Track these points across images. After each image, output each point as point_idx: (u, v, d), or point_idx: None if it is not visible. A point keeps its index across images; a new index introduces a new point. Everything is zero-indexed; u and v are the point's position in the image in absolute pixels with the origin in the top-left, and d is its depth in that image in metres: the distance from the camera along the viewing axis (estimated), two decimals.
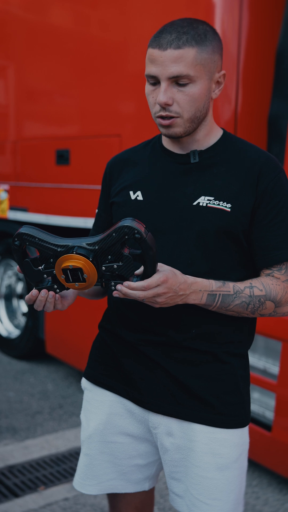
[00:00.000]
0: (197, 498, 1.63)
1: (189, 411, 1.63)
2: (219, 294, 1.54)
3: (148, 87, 1.58)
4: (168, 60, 1.50)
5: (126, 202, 1.68)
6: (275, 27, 3.08)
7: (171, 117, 1.54)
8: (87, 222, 4.07)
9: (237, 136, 1.81)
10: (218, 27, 3.05)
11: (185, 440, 1.64)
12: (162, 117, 1.55)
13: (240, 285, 1.57)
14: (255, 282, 1.58)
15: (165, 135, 1.60)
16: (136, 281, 1.45)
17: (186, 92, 1.52)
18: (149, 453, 1.76)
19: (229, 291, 1.55)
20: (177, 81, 1.51)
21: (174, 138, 1.61)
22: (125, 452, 1.74)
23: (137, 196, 1.66)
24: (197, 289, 1.52)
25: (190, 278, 1.52)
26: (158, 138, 1.74)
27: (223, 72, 1.60)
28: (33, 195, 4.75)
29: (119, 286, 1.44)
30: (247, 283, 1.57)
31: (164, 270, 1.46)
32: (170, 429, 1.65)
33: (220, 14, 3.09)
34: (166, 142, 1.69)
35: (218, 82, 1.59)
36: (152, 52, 1.53)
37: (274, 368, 3.05)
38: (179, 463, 1.66)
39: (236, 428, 1.64)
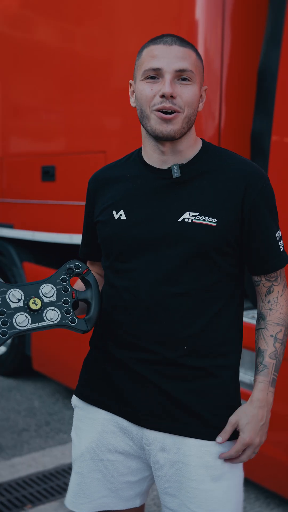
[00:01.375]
0: (194, 511, 1.63)
1: (183, 426, 1.63)
2: (273, 375, 1.65)
3: (144, 83, 1.57)
4: (174, 54, 1.54)
5: (109, 221, 1.67)
6: (257, 44, 3.13)
7: (174, 112, 1.54)
8: (73, 238, 4.07)
9: None
10: (201, 44, 3.09)
11: (179, 455, 1.63)
12: (164, 111, 1.54)
13: (270, 348, 1.65)
14: (272, 329, 1.66)
15: (161, 135, 1.56)
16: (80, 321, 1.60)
17: (187, 88, 1.55)
18: (140, 470, 1.75)
19: (274, 362, 1.65)
20: (181, 76, 1.54)
21: (166, 139, 1.58)
22: (117, 469, 1.73)
23: (120, 215, 1.65)
24: (263, 398, 1.64)
25: (255, 401, 1.64)
26: (138, 152, 1.72)
27: (205, 87, 1.65)
28: (18, 212, 4.75)
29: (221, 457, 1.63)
30: (270, 339, 1.66)
31: (243, 432, 1.61)
32: (164, 445, 1.65)
33: (203, 32, 3.13)
34: (146, 156, 1.67)
35: (201, 96, 1.64)
36: (155, 47, 1.56)
37: None
38: (173, 478, 1.65)
39: (229, 440, 1.64)
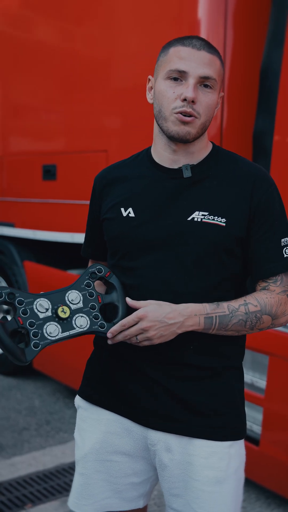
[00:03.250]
0: (197, 511, 1.63)
1: (188, 426, 1.63)
2: (215, 316, 1.55)
3: (167, 83, 1.56)
4: (201, 60, 1.54)
5: (117, 219, 1.67)
6: (259, 44, 3.12)
7: (192, 116, 1.54)
8: (74, 237, 4.07)
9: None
10: None
11: (184, 455, 1.63)
12: (183, 114, 1.54)
13: (235, 304, 1.57)
14: (249, 298, 1.59)
15: (177, 136, 1.56)
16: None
17: (208, 96, 1.56)
18: (144, 471, 1.75)
19: (225, 312, 1.56)
20: (204, 82, 1.54)
21: (180, 141, 1.58)
22: (121, 470, 1.73)
23: (129, 212, 1.65)
24: (192, 314, 1.53)
25: (181, 306, 1.54)
26: (147, 151, 1.72)
27: (222, 93, 1.65)
28: (19, 210, 4.74)
29: (109, 334, 1.55)
30: (241, 300, 1.58)
31: (144, 306, 1.53)
32: (168, 445, 1.65)
33: (205, 31, 3.13)
34: (156, 155, 1.67)
35: (217, 103, 1.64)
36: (184, 49, 1.55)
37: (262, 382, 3.05)
38: (178, 478, 1.65)
39: (234, 441, 1.64)
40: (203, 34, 3.11)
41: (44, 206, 4.41)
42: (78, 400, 1.80)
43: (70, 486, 3.22)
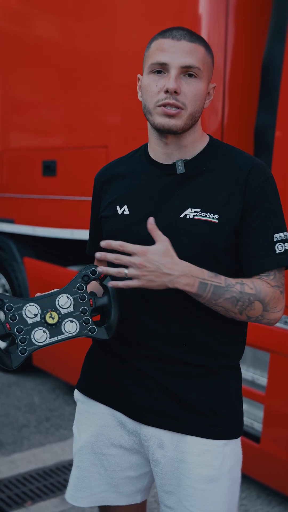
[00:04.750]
0: (189, 510, 1.61)
1: (181, 423, 1.62)
2: (211, 284, 1.50)
3: (150, 77, 1.55)
4: (181, 50, 1.52)
5: (113, 216, 1.66)
6: (261, 38, 3.10)
7: (177, 108, 1.52)
8: (74, 234, 4.05)
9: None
10: (204, 38, 3.06)
11: (177, 452, 1.62)
12: (167, 106, 1.52)
13: (232, 280, 1.53)
14: (246, 280, 1.55)
15: (163, 128, 1.54)
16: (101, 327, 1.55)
17: (193, 85, 1.53)
18: (140, 465, 1.75)
19: (221, 283, 1.51)
20: (187, 72, 1.52)
21: (168, 133, 1.56)
22: (117, 464, 1.73)
23: (124, 210, 1.64)
24: (189, 274, 1.47)
25: (183, 262, 1.48)
26: (144, 148, 1.71)
27: (214, 84, 1.62)
28: (19, 207, 4.73)
29: (103, 243, 1.46)
30: (238, 279, 1.54)
31: (158, 239, 1.45)
32: (161, 442, 1.64)
33: (206, 26, 3.11)
34: (152, 151, 1.66)
35: (208, 93, 1.61)
36: (163, 41, 1.53)
37: (262, 379, 3.04)
38: (171, 475, 1.64)
39: (228, 439, 1.63)
40: (204, 30, 3.09)
41: (44, 202, 4.40)
42: (76, 393, 1.82)
43: None
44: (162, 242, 1.46)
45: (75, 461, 1.79)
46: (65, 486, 3.21)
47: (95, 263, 1.90)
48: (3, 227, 4.86)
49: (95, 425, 1.73)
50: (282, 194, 1.67)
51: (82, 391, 1.78)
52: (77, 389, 1.81)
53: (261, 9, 3.11)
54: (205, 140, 1.65)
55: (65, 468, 3.43)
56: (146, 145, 1.71)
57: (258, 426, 3.06)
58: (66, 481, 3.27)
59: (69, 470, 3.38)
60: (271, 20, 2.98)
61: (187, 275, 1.47)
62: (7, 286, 4.83)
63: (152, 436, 1.65)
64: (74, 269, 4.31)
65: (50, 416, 4.18)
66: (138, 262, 1.43)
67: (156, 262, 1.44)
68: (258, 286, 1.54)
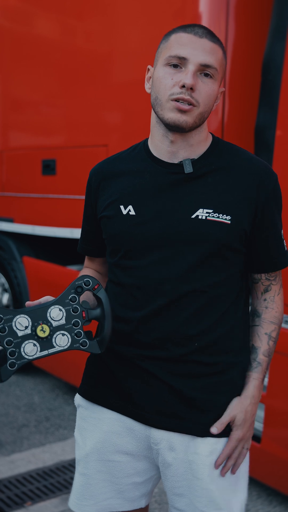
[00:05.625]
0: (202, 510, 1.61)
1: (191, 424, 1.61)
2: (264, 374, 1.66)
3: (166, 69, 1.52)
4: (202, 47, 1.50)
5: (117, 217, 1.62)
6: (262, 37, 3.09)
7: (190, 104, 1.50)
8: (74, 233, 4.04)
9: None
10: None
11: (187, 453, 1.61)
12: (181, 101, 1.49)
13: (264, 345, 1.67)
14: (267, 326, 1.67)
15: (173, 124, 1.52)
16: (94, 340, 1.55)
17: (208, 85, 1.52)
18: (146, 470, 1.73)
19: (266, 359, 1.66)
20: (204, 70, 1.51)
21: (176, 130, 1.54)
22: (123, 470, 1.70)
23: (129, 210, 1.60)
24: (258, 395, 1.65)
25: (248, 400, 1.63)
26: (144, 144, 1.67)
27: (223, 89, 1.62)
28: (19, 205, 4.72)
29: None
30: (264, 337, 1.67)
31: (237, 428, 1.62)
32: (171, 444, 1.62)
33: (206, 25, 3.09)
34: (154, 148, 1.62)
35: (217, 97, 1.60)
36: (185, 36, 1.51)
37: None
38: (182, 477, 1.63)
39: (220, 437, 1.62)
40: None
41: (43, 201, 4.39)
42: (78, 399, 1.77)
43: (70, 483, 3.21)
44: (234, 416, 1.62)
45: (79, 469, 1.75)
46: (65, 486, 3.20)
47: (84, 266, 1.88)
48: (3, 226, 4.85)
49: (101, 431, 1.69)
50: (283, 193, 1.68)
51: (86, 396, 1.74)
52: (80, 395, 1.76)
53: (262, 8, 3.10)
54: (209, 139, 1.64)
55: (65, 468, 3.42)
56: (145, 141, 1.67)
57: (259, 425, 3.05)
58: (66, 481, 3.26)
59: (69, 470, 3.37)
60: (272, 18, 2.97)
61: (257, 397, 1.65)
62: (7, 285, 4.82)
63: (162, 439, 1.63)
64: (74, 268, 4.30)
65: (50, 415, 4.17)
66: (242, 448, 1.64)
67: (248, 434, 1.64)
68: (276, 319, 1.68)
